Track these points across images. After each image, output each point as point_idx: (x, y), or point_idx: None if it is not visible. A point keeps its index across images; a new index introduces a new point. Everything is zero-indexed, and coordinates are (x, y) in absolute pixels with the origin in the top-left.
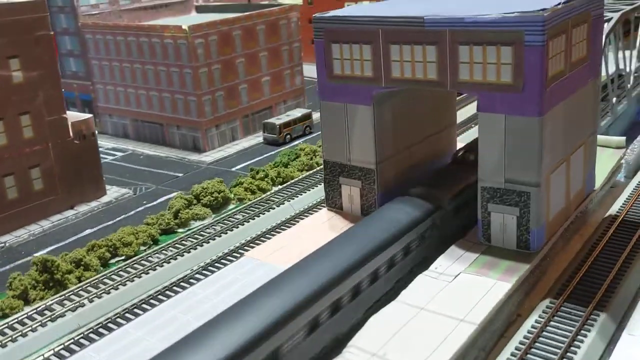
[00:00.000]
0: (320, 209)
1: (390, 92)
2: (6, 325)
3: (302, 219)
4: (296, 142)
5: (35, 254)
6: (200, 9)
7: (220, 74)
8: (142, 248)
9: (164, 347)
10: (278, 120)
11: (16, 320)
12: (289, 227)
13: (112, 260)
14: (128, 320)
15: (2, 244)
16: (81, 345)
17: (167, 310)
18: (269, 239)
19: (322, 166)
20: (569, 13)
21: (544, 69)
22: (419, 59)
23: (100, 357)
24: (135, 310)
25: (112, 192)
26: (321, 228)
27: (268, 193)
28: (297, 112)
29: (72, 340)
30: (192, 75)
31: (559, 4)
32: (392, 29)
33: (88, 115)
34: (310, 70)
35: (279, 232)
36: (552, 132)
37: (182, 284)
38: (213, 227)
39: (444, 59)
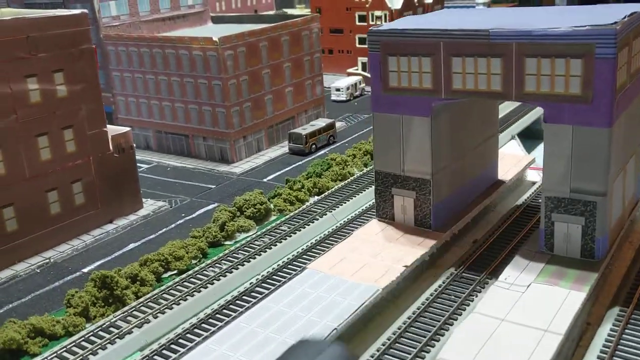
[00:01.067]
0: (364, 219)
1: (447, 103)
2: (73, 343)
3: (348, 230)
4: (321, 152)
5: (84, 270)
6: (215, 20)
7: (247, 85)
8: (193, 262)
9: None
10: (304, 130)
11: (83, 338)
12: (337, 238)
13: (165, 275)
14: (197, 335)
15: (47, 260)
16: None
17: (244, 326)
18: (323, 250)
19: (355, 176)
20: (631, 25)
21: (614, 81)
22: (482, 71)
23: None
24: (204, 325)
25: (149, 205)
26: (376, 239)
27: (306, 204)
28: (321, 122)
29: (147, 358)
30: (221, 86)
31: (625, 17)
32: (454, 42)
33: (126, 129)
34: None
35: (329, 244)
36: (616, 142)
37: (244, 297)
38: (261, 239)
39: (510, 71)
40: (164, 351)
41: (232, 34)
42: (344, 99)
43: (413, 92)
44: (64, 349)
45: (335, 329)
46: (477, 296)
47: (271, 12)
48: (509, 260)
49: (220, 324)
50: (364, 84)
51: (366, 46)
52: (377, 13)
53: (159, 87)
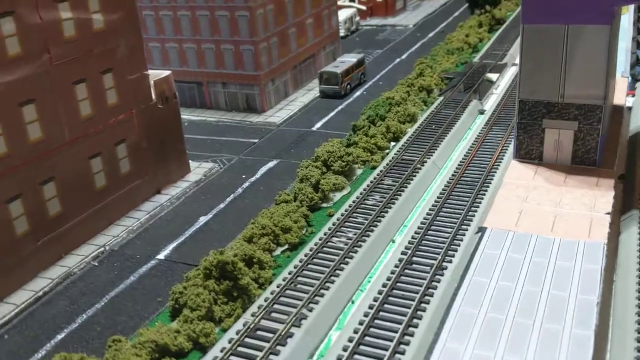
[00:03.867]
0: (477, 162)
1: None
2: None
3: (470, 177)
4: (357, 93)
5: (159, 256)
6: None
7: (273, 15)
8: (301, 232)
9: None
10: (336, 68)
11: (229, 351)
12: (462, 188)
13: (276, 252)
14: (381, 328)
15: (102, 248)
16: None
17: (471, 312)
18: (453, 206)
19: (428, 116)
20: None
21: None
22: None
23: None
24: (384, 313)
25: (195, 168)
26: (538, 184)
27: (388, 152)
28: (350, 57)
29: None
30: (248, 17)
31: None
32: None
33: (167, 72)
34: None
35: (458, 197)
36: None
37: (407, 270)
38: (370, 197)
39: None
40: (359, 357)
41: None
42: (343, 34)
43: None
44: None
45: (598, 302)
46: None
47: None
48: None
49: (416, 312)
50: (358, 17)
51: None
52: None
53: (161, 25)
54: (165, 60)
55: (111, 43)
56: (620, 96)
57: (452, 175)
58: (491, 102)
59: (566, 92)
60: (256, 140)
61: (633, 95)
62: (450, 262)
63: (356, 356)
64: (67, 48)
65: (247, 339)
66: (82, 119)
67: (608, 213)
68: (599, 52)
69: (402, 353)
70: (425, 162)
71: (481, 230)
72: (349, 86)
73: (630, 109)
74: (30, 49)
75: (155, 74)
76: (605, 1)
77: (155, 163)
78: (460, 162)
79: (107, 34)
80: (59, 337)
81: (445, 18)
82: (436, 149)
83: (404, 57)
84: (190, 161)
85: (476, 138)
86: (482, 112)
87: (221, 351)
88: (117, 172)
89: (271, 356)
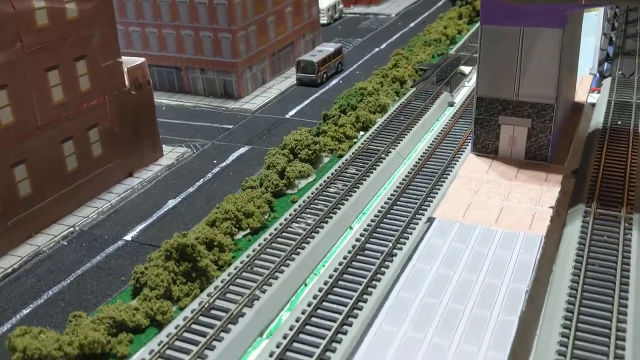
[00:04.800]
0: (440, 154)
1: (571, 14)
2: (174, 337)
3: (431, 168)
4: (334, 81)
5: (126, 237)
6: None
7: (252, 4)
8: (264, 217)
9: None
10: (313, 57)
11: (182, 328)
12: (422, 179)
13: (238, 236)
14: (338, 313)
15: (71, 228)
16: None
17: (409, 297)
18: (414, 195)
19: (398, 107)
20: None
21: None
22: None
23: None
24: (332, 296)
25: (168, 153)
26: (491, 178)
27: (355, 141)
28: (328, 47)
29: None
30: (227, 6)
31: None
32: None
33: (141, 59)
34: None
35: (417, 187)
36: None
37: (359, 257)
38: (332, 186)
39: None
40: (309, 337)
41: None
42: (325, 22)
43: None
44: (166, 345)
45: (527, 291)
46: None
47: None
48: None
49: (362, 296)
50: (342, 5)
51: None
52: None
53: (141, 10)
54: (145, 45)
55: (85, 31)
56: (582, 93)
57: (414, 165)
58: (462, 94)
59: (521, 91)
60: (230, 127)
61: (599, 92)
62: (401, 249)
63: (301, 335)
64: (39, 36)
65: (201, 317)
66: (55, 104)
67: (551, 207)
68: (552, 54)
69: (344, 333)
70: (390, 152)
71: (430, 220)
72: (325, 75)
73: (593, 105)
74: (3, 38)
75: (130, 61)
76: (559, 7)
77: (127, 147)
78: (423, 153)
79: (81, 22)
80: (25, 312)
81: (427, 8)
82: (402, 140)
83: (383, 46)
84: (163, 145)
85: (441, 130)
86: (451, 104)
87: (175, 328)
88: (88, 155)
89: (222, 333)
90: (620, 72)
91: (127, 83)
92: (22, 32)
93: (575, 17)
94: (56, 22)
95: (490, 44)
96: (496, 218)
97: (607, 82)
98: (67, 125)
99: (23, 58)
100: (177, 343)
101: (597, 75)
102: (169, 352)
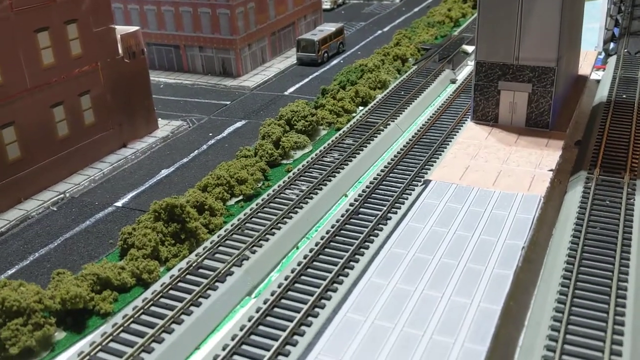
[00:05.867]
0: (439, 126)
1: None
2: (159, 294)
3: (429, 139)
4: (334, 61)
5: (117, 203)
6: None
7: None
8: (257, 185)
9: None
10: (314, 36)
11: (169, 286)
12: (420, 148)
13: (230, 202)
14: (317, 269)
15: (61, 195)
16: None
17: (401, 252)
18: (411, 163)
19: (398, 83)
20: None
21: None
22: None
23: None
24: (323, 256)
25: (164, 125)
26: (490, 144)
27: (354, 115)
28: (330, 27)
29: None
30: None
31: None
32: None
33: (135, 28)
34: None
35: (415, 155)
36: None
37: (353, 220)
38: (328, 155)
39: None
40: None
41: None
42: (329, 7)
43: None
44: (150, 302)
45: (523, 247)
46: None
47: None
48: None
49: (354, 256)
50: None
51: None
52: None
53: None
54: (144, 23)
55: None
56: (586, 67)
57: (413, 136)
58: (464, 72)
59: (521, 54)
60: (228, 103)
61: (604, 70)
62: (396, 213)
63: (290, 292)
64: None
65: (188, 276)
66: (44, 67)
67: (551, 170)
68: (553, 14)
69: (334, 291)
70: (389, 124)
71: (425, 182)
72: (326, 54)
73: (598, 82)
74: None
75: (124, 29)
76: None
77: (121, 117)
78: (422, 125)
79: None
80: (10, 272)
81: None
82: (401, 113)
83: (385, 29)
84: (159, 119)
85: (442, 104)
86: (454, 81)
87: (161, 285)
88: (80, 122)
89: (209, 291)
90: (626, 50)
91: (120, 50)
92: None
93: None
94: None
95: (489, 7)
96: (494, 180)
97: (612, 59)
98: (57, 90)
99: (11, 17)
100: (163, 300)
101: (603, 53)
102: (153, 308)
